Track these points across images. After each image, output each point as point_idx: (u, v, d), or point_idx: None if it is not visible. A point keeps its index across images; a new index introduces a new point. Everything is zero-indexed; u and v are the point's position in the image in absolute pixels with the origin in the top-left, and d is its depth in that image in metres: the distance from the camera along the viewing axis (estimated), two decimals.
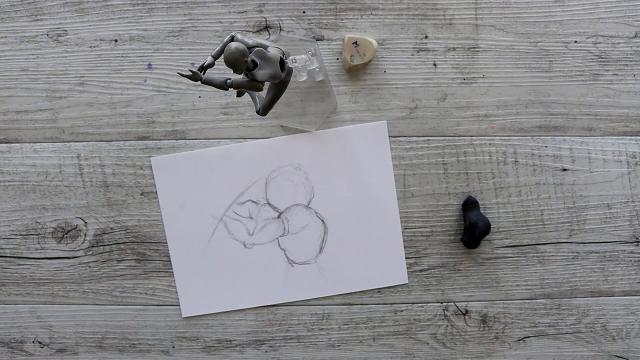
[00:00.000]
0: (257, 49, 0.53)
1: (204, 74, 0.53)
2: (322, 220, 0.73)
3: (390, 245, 0.73)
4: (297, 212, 0.73)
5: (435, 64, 0.72)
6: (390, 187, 0.73)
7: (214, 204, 0.73)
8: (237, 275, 0.74)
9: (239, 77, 0.54)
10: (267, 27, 0.72)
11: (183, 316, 0.74)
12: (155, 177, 0.72)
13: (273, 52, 0.55)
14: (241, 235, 0.73)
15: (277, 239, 0.73)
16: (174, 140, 0.72)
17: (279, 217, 0.73)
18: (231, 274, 0.73)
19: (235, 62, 0.50)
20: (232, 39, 0.53)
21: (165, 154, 0.72)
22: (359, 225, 0.73)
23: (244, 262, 0.73)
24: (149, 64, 0.72)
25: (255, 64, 0.53)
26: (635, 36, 0.71)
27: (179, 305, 0.74)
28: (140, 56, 0.72)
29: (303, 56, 0.65)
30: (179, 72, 0.53)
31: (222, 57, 0.51)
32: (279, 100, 0.60)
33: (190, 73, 0.52)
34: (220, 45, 0.52)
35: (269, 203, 0.73)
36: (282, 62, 0.55)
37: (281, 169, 0.73)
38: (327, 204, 0.73)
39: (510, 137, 0.72)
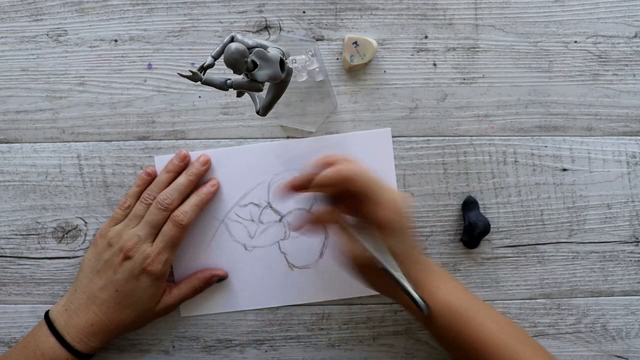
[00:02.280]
0: (257, 49, 0.53)
1: (204, 75, 0.53)
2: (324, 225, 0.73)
3: None
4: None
5: (435, 64, 0.72)
6: None
7: (216, 205, 0.72)
8: (237, 277, 0.73)
9: (239, 77, 0.54)
10: (267, 27, 0.72)
11: (182, 315, 0.74)
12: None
13: (273, 52, 0.55)
14: (242, 238, 0.73)
15: (278, 242, 0.73)
16: (174, 140, 0.72)
17: (280, 220, 0.73)
18: (231, 276, 0.73)
19: (235, 62, 0.50)
20: (232, 40, 0.53)
21: (166, 154, 0.72)
22: None
23: (245, 265, 0.73)
24: (149, 64, 0.72)
25: (255, 65, 0.53)
26: (635, 36, 0.71)
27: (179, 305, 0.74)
28: (140, 56, 0.72)
29: (303, 56, 0.65)
30: (179, 72, 0.53)
31: (222, 57, 0.51)
32: (279, 100, 0.60)
33: (190, 73, 0.52)
34: (220, 45, 0.52)
35: (270, 206, 0.73)
36: (282, 63, 0.55)
37: (284, 172, 0.72)
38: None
39: (510, 137, 0.72)
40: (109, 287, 0.67)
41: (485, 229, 0.70)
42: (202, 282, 0.72)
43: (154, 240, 0.68)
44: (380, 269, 0.59)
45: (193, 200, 0.69)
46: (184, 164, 0.71)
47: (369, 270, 0.62)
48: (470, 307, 0.63)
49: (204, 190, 0.71)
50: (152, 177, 0.71)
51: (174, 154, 0.72)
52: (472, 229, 0.70)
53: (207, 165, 0.71)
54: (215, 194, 0.72)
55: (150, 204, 0.69)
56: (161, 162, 0.72)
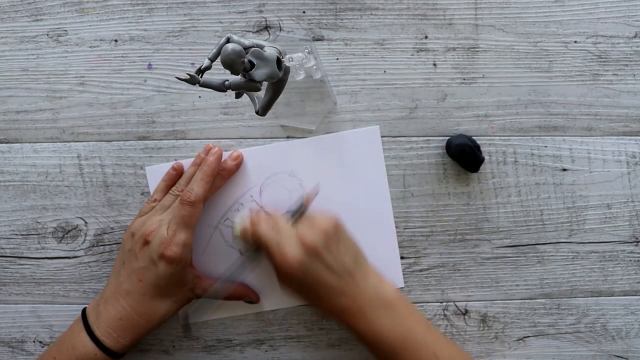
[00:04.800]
0: (253, 49, 0.53)
1: (201, 77, 0.53)
2: None
3: (385, 249, 0.73)
4: None
5: (435, 64, 0.72)
6: (384, 191, 0.72)
7: (209, 212, 0.72)
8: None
9: (237, 78, 0.54)
10: (267, 27, 0.72)
11: (182, 323, 0.74)
12: (149, 185, 0.72)
13: (269, 51, 0.55)
14: (237, 242, 0.73)
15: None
16: (174, 140, 0.72)
17: None
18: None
19: (232, 63, 0.50)
20: (228, 41, 0.53)
21: (166, 154, 0.72)
22: (354, 231, 0.71)
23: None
24: (149, 64, 0.72)
25: (252, 64, 0.53)
26: (635, 36, 0.71)
27: None
28: (140, 56, 0.72)
29: (300, 54, 0.65)
30: (177, 76, 0.53)
31: (219, 59, 0.51)
32: (278, 100, 0.60)
33: (188, 76, 0.52)
34: (217, 47, 0.53)
35: (263, 210, 0.73)
36: (279, 61, 0.55)
37: (275, 176, 0.72)
38: (322, 210, 0.73)
39: (510, 137, 0.72)
40: (132, 277, 0.66)
41: (473, 144, 0.70)
42: (234, 296, 0.72)
43: None
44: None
45: (198, 175, 0.68)
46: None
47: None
48: (409, 342, 0.64)
49: (207, 161, 0.68)
50: (178, 172, 0.71)
51: (167, 163, 0.72)
52: (464, 152, 0.70)
53: (239, 160, 0.71)
54: (218, 161, 0.69)
55: (178, 195, 0.68)
56: (152, 173, 0.72)
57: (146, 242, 0.66)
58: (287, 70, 0.58)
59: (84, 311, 0.69)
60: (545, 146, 0.72)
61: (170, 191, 0.70)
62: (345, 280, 0.64)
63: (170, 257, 0.65)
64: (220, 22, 0.72)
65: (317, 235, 0.62)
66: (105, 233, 0.73)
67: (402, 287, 0.74)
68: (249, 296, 0.72)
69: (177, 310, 0.70)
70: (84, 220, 0.73)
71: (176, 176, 0.71)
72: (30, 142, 0.73)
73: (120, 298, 0.67)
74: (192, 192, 0.66)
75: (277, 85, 0.58)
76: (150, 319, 0.67)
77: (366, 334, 0.63)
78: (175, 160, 0.72)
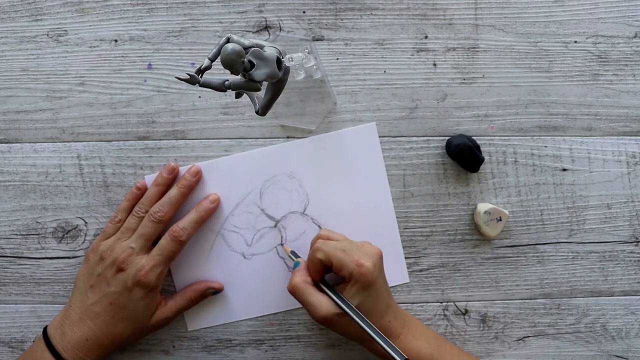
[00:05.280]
0: (253, 49, 0.53)
1: (201, 77, 0.53)
2: (319, 226, 0.73)
3: (389, 245, 0.73)
4: (293, 219, 0.73)
5: (435, 64, 0.72)
6: (384, 187, 0.73)
7: (211, 217, 0.72)
8: (240, 286, 0.73)
9: (237, 78, 0.54)
10: (267, 27, 0.72)
11: (189, 330, 0.74)
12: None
13: (269, 51, 0.55)
14: (240, 247, 0.73)
15: (275, 247, 0.73)
16: (174, 140, 0.72)
17: (275, 226, 0.73)
18: (233, 286, 0.73)
19: (232, 63, 0.50)
20: (228, 41, 0.53)
21: (166, 154, 0.72)
22: (356, 229, 0.72)
23: (245, 273, 0.73)
24: (149, 64, 0.72)
25: (252, 64, 0.53)
26: (635, 36, 0.71)
27: None
28: (140, 56, 0.72)
29: (300, 54, 0.65)
30: (177, 76, 0.53)
31: (219, 58, 0.51)
32: (278, 100, 0.60)
33: (188, 77, 0.52)
34: (217, 47, 0.52)
35: (264, 213, 0.73)
36: (279, 61, 0.55)
37: (274, 178, 0.73)
38: (323, 209, 0.73)
39: (510, 137, 0.72)
40: (103, 300, 0.68)
41: (473, 143, 0.70)
42: (198, 294, 0.72)
43: (146, 253, 0.69)
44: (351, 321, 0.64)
45: (192, 216, 0.70)
46: (173, 176, 0.71)
47: (339, 322, 0.64)
48: (443, 353, 0.67)
49: (204, 206, 0.71)
50: (142, 191, 0.71)
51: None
52: (464, 153, 0.70)
53: (198, 176, 0.71)
54: (215, 210, 0.72)
55: (142, 217, 0.69)
56: (152, 181, 0.72)
57: (120, 270, 0.67)
58: (287, 70, 0.58)
59: (44, 330, 0.70)
60: (545, 146, 0.72)
61: (133, 212, 0.70)
62: (390, 299, 0.67)
63: (147, 284, 0.67)
64: (220, 22, 0.72)
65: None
66: None
67: (406, 283, 0.74)
68: (212, 287, 0.72)
69: (142, 336, 0.72)
70: (83, 220, 0.73)
71: (140, 195, 0.71)
72: (30, 142, 0.73)
73: (88, 320, 0.68)
74: (184, 231, 0.69)
75: (277, 85, 0.58)
76: (115, 339, 0.69)
77: (411, 349, 0.65)
78: (175, 160, 0.72)
